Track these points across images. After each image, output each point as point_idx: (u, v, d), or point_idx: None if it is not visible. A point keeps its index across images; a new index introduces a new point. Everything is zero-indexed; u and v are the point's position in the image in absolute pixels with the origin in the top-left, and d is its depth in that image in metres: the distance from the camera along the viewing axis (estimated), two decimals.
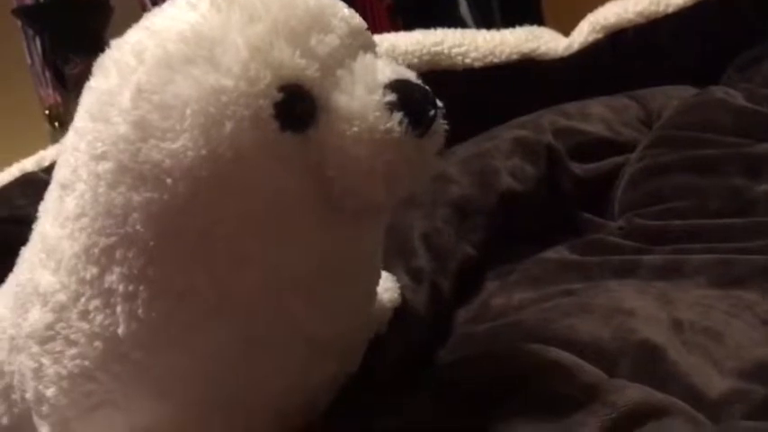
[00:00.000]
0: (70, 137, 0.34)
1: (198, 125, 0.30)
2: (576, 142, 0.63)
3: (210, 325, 0.33)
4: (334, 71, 0.32)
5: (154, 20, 0.33)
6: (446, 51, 0.72)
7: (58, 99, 1.77)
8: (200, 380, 0.34)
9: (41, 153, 0.69)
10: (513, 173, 0.59)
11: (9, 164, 0.71)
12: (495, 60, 0.73)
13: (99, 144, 0.32)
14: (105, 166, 0.32)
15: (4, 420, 0.39)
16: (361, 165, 0.32)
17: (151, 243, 0.31)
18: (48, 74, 1.76)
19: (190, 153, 0.30)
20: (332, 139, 0.32)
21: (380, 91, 0.32)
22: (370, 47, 0.35)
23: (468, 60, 0.72)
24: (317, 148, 0.32)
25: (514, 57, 0.73)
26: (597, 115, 0.66)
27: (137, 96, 0.31)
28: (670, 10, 0.71)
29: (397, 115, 0.32)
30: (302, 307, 0.35)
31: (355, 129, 0.32)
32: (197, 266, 0.32)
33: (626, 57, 0.73)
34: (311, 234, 0.33)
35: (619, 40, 0.72)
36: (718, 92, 0.63)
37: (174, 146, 0.30)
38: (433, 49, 0.72)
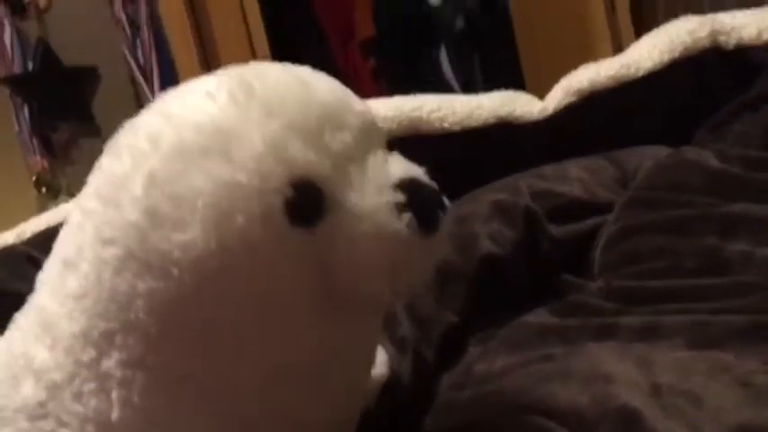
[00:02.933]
0: (76, 215, 0.34)
1: (209, 218, 0.30)
2: (554, 204, 0.64)
3: (204, 411, 0.33)
4: (347, 168, 0.33)
5: (170, 105, 0.34)
6: (425, 117, 0.74)
7: (46, 165, 1.78)
8: None
9: (22, 226, 0.69)
10: (493, 237, 0.60)
11: None
12: (473, 124, 0.75)
13: (107, 228, 0.32)
14: (112, 251, 0.32)
15: None
16: (367, 261, 0.32)
17: (152, 331, 0.31)
18: (35, 141, 1.78)
19: (199, 245, 0.30)
20: (340, 236, 0.32)
21: (390, 191, 0.33)
22: (382, 142, 0.35)
23: (446, 125, 0.74)
24: (325, 244, 0.32)
25: (491, 120, 0.75)
26: (574, 177, 0.67)
27: (149, 184, 0.31)
28: (640, 74, 0.73)
29: (406, 216, 0.32)
30: (300, 397, 0.35)
31: (364, 227, 0.32)
32: (197, 355, 0.32)
33: (599, 119, 0.74)
34: (313, 326, 0.33)
35: (592, 102, 0.74)
36: (690, 152, 0.65)
37: (184, 237, 0.30)
38: (411, 114, 0.74)
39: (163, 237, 0.31)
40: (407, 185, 0.33)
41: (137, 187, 0.31)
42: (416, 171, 0.34)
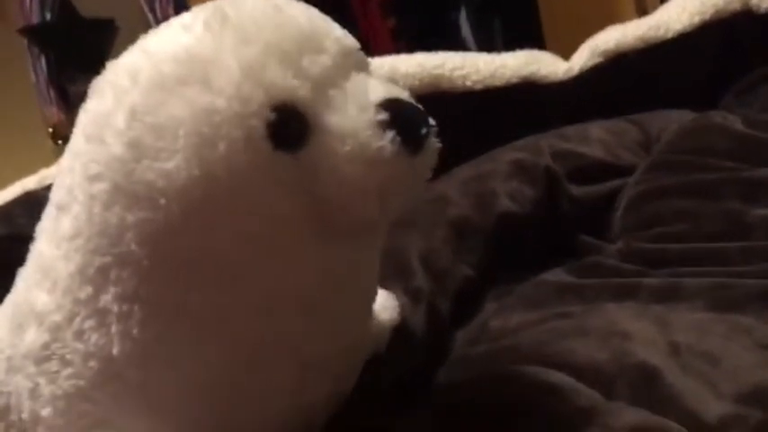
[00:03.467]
0: (66, 158, 0.35)
1: (191, 146, 0.30)
2: (575, 165, 0.63)
3: (205, 345, 0.33)
4: (327, 91, 0.33)
5: (149, 41, 0.34)
6: (447, 74, 0.73)
7: (62, 117, 1.78)
8: (194, 399, 0.34)
9: (43, 172, 0.69)
10: (512, 195, 0.60)
11: (13, 181, 0.71)
12: (496, 83, 0.74)
13: (93, 165, 0.32)
14: (100, 186, 0.32)
15: None
16: (353, 183, 0.32)
17: (145, 263, 0.31)
18: (52, 92, 1.77)
19: (183, 173, 0.30)
20: (325, 159, 0.32)
21: (372, 110, 0.32)
22: (363, 67, 0.35)
23: (468, 83, 0.73)
24: (310, 168, 0.32)
25: (515, 80, 0.74)
26: (596, 138, 0.66)
27: (131, 118, 0.31)
28: (669, 35, 0.72)
29: (389, 134, 0.32)
30: (298, 327, 0.35)
31: (347, 148, 0.32)
32: (191, 286, 0.32)
33: (625, 81, 0.73)
34: (306, 253, 0.33)
35: (619, 64, 0.73)
36: (716, 117, 0.64)
37: (168, 166, 0.31)
38: (433, 71, 0.73)
39: (147, 167, 0.31)
40: (389, 105, 0.32)
41: (119, 122, 0.32)
42: (399, 91, 0.34)
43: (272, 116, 0.31)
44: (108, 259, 0.32)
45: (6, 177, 0.73)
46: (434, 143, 0.34)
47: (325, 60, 0.33)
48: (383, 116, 0.32)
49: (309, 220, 0.33)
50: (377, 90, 0.33)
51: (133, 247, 0.31)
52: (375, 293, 0.41)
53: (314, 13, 0.35)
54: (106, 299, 0.32)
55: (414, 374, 0.47)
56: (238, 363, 0.34)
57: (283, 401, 0.36)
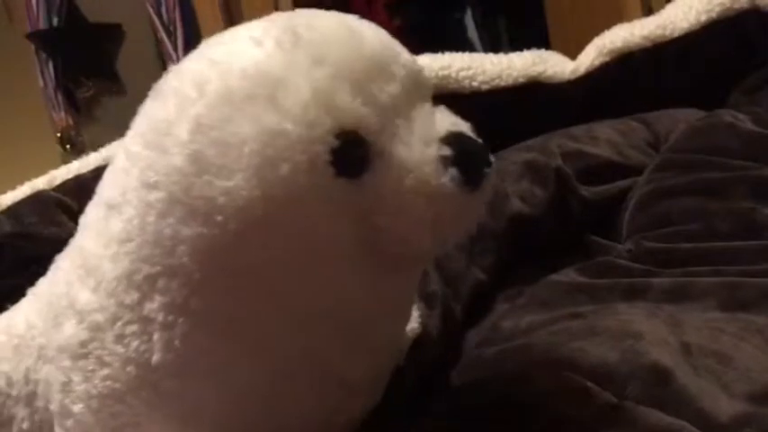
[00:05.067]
0: (121, 158, 0.34)
1: (254, 165, 0.30)
2: (585, 165, 0.63)
3: (245, 360, 0.33)
4: (393, 120, 0.32)
5: (216, 51, 0.33)
6: (454, 75, 0.73)
7: (70, 122, 1.79)
8: (228, 413, 0.34)
9: (53, 172, 0.70)
10: (523, 196, 0.60)
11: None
12: (503, 84, 0.74)
13: (152, 173, 0.32)
14: (157, 195, 0.32)
15: (25, 425, 0.39)
16: (411, 215, 0.32)
17: (196, 276, 0.31)
18: (60, 97, 1.78)
19: (243, 193, 0.30)
20: (385, 188, 0.32)
21: (436, 144, 0.32)
22: (428, 95, 0.35)
23: (475, 84, 0.73)
24: (369, 195, 0.32)
25: (521, 80, 0.74)
26: (605, 138, 0.66)
27: (195, 130, 0.31)
28: (676, 34, 0.72)
29: (452, 170, 0.32)
30: (338, 348, 0.35)
31: (409, 180, 0.32)
32: (239, 303, 0.32)
33: (632, 80, 0.73)
34: (354, 279, 0.33)
35: (625, 63, 0.73)
36: (725, 115, 0.63)
37: (229, 184, 0.30)
38: (440, 72, 0.73)
39: (207, 183, 0.30)
40: (454, 140, 0.32)
41: (182, 132, 0.31)
42: (463, 125, 0.34)
43: (337, 143, 0.31)
44: (158, 269, 0.32)
45: (15, 182, 0.73)
46: (492, 179, 0.34)
47: (394, 89, 0.32)
48: (446, 152, 0.32)
49: (363, 248, 0.33)
50: (442, 123, 0.33)
51: (185, 259, 0.31)
52: (410, 314, 0.41)
53: (384, 35, 0.34)
54: (151, 307, 0.32)
55: (428, 377, 0.47)
56: (276, 379, 0.34)
57: (318, 418, 0.36)
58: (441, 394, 0.45)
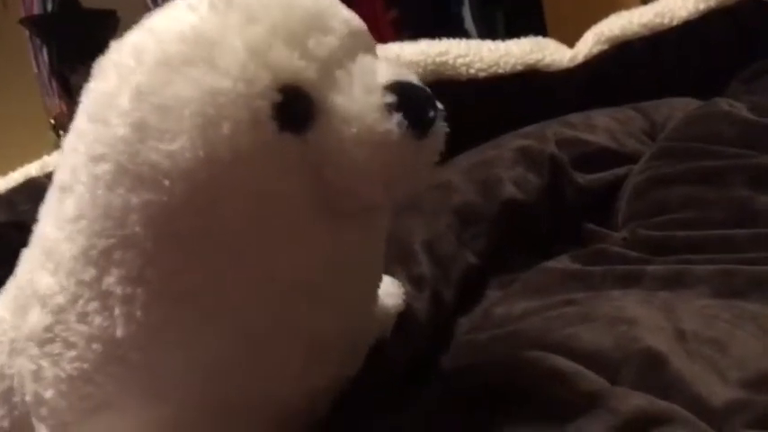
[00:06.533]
0: (70, 139, 0.34)
1: (196, 126, 0.30)
2: (580, 152, 0.63)
3: (209, 327, 0.33)
4: (333, 72, 0.32)
5: (154, 21, 0.33)
6: (451, 62, 0.72)
7: (64, 108, 1.78)
8: (198, 382, 0.34)
9: (45, 159, 0.69)
10: (517, 182, 0.59)
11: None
12: (500, 71, 0.73)
13: (98, 146, 0.32)
14: (104, 167, 0.32)
15: (5, 423, 0.39)
16: (359, 166, 0.32)
17: (149, 245, 0.31)
18: (54, 83, 1.77)
19: (188, 155, 0.30)
20: (330, 141, 0.32)
21: (379, 92, 0.32)
22: (370, 49, 0.35)
23: (472, 71, 0.73)
24: (316, 150, 0.32)
25: (519, 67, 0.73)
26: (602, 126, 0.66)
27: (136, 98, 0.31)
28: (674, 23, 0.71)
29: (396, 116, 0.32)
30: (303, 309, 0.34)
31: (354, 130, 0.32)
32: (195, 268, 0.32)
33: (630, 68, 0.73)
34: (310, 235, 0.33)
35: (623, 51, 0.73)
36: (722, 104, 0.63)
37: (172, 147, 0.30)
38: (437, 59, 0.72)
39: (152, 148, 0.30)
40: (397, 87, 0.32)
41: (124, 102, 0.31)
42: (406, 74, 0.33)
43: (278, 97, 0.31)
44: (112, 241, 0.32)
45: (8, 168, 0.73)
46: (442, 127, 0.33)
47: (331, 41, 0.32)
48: (390, 99, 0.32)
49: (314, 202, 0.32)
50: (384, 72, 0.33)
51: (137, 228, 0.31)
52: (380, 278, 0.41)
53: None
54: (110, 281, 0.32)
55: (417, 360, 0.47)
56: (242, 345, 0.34)
57: (288, 384, 0.36)
58: (432, 378, 0.45)
